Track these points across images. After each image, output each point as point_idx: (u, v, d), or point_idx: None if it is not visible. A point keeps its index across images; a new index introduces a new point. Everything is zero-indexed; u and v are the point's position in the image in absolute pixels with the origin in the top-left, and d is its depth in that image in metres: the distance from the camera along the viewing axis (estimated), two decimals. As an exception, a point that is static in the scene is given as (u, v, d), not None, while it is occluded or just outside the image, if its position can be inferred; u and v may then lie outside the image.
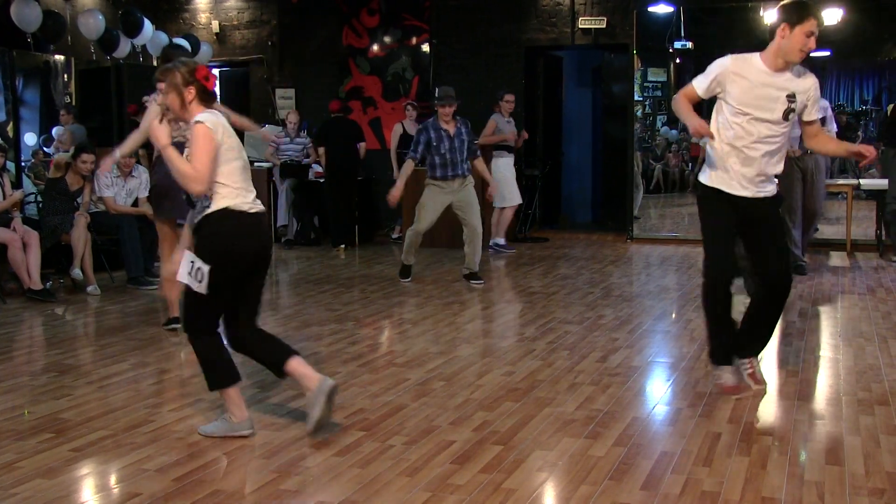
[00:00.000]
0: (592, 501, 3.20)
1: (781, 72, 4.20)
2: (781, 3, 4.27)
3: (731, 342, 4.53)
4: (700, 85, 4.34)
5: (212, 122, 3.72)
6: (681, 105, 4.39)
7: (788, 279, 4.43)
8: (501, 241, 10.07)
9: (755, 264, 4.49)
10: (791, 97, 4.20)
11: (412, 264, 7.99)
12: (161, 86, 4.02)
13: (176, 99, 3.83)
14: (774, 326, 4.62)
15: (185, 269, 3.76)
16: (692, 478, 3.41)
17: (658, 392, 4.69)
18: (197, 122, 3.71)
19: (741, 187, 4.31)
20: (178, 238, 5.73)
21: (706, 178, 4.41)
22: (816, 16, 4.18)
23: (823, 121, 7.67)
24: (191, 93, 3.81)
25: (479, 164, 7.93)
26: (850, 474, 3.45)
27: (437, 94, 7.73)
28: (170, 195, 5.63)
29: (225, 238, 3.77)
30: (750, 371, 4.57)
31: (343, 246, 10.33)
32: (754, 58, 4.25)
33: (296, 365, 3.88)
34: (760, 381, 4.55)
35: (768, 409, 4.34)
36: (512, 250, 9.96)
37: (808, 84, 4.26)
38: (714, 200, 4.39)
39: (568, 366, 5.09)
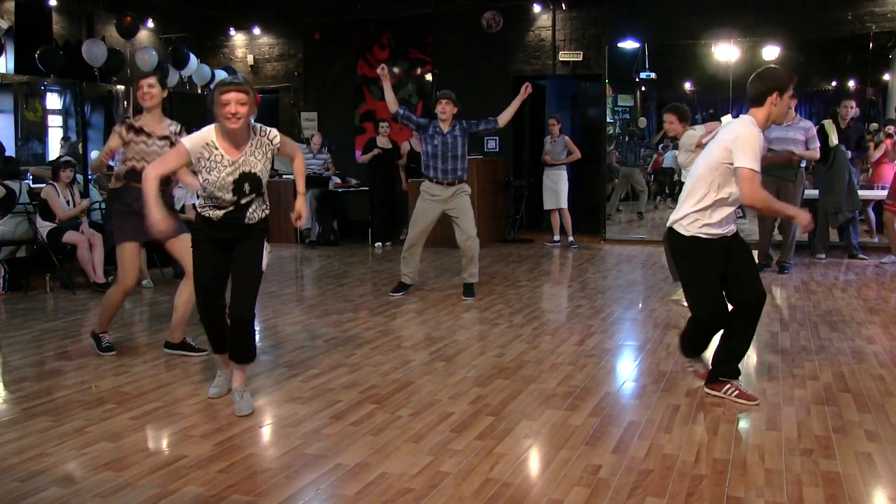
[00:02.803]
0: (570, 464, 3.21)
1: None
2: (762, 70, 3.87)
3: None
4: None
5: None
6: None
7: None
8: (556, 237, 10.50)
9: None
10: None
11: (407, 282, 6.94)
12: (239, 100, 3.58)
13: (250, 111, 3.63)
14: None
15: (266, 259, 3.92)
16: (655, 443, 3.42)
17: (627, 371, 4.69)
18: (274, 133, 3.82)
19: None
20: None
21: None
22: (794, 79, 3.87)
23: (808, 141, 7.73)
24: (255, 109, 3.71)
25: (503, 116, 6.85)
26: (785, 438, 3.45)
27: (437, 95, 6.85)
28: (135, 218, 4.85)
29: None
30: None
31: (380, 243, 10.57)
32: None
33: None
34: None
35: (719, 385, 4.35)
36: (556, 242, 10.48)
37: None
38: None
39: (550, 348, 5.09)
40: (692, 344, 4.24)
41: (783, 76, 3.81)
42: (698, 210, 3.86)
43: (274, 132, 3.83)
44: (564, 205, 10.38)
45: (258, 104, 3.80)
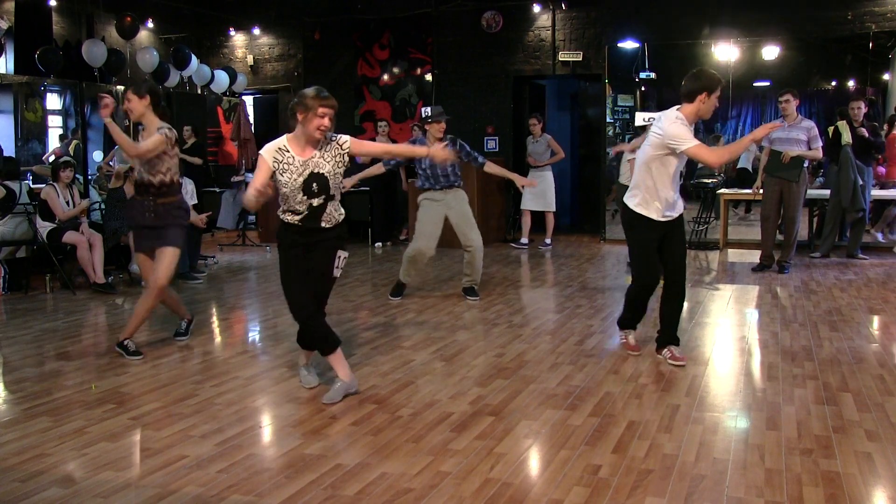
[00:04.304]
0: (570, 464, 3.21)
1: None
2: (696, 71, 4.52)
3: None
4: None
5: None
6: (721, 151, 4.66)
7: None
8: (524, 240, 10.34)
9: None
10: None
11: (406, 283, 6.82)
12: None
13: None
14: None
15: (338, 264, 4.00)
16: (655, 443, 3.42)
17: (626, 370, 4.69)
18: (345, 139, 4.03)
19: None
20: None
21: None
22: (723, 83, 4.50)
23: (810, 141, 7.73)
24: None
25: (490, 167, 6.77)
26: (785, 438, 3.46)
27: (429, 113, 6.51)
28: (143, 232, 5.01)
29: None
30: (670, 355, 4.73)
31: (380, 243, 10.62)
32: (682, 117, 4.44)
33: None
34: (681, 359, 4.71)
35: (718, 384, 4.34)
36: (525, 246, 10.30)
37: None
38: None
39: (550, 348, 5.09)
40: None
41: (713, 79, 4.42)
42: (641, 192, 4.57)
43: (345, 137, 4.00)
44: (552, 207, 10.25)
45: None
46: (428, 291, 7.16)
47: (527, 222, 10.39)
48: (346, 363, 4.13)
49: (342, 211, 4.07)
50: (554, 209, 10.31)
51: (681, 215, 4.69)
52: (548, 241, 10.28)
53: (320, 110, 3.82)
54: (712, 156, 4.45)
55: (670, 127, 4.38)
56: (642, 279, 4.75)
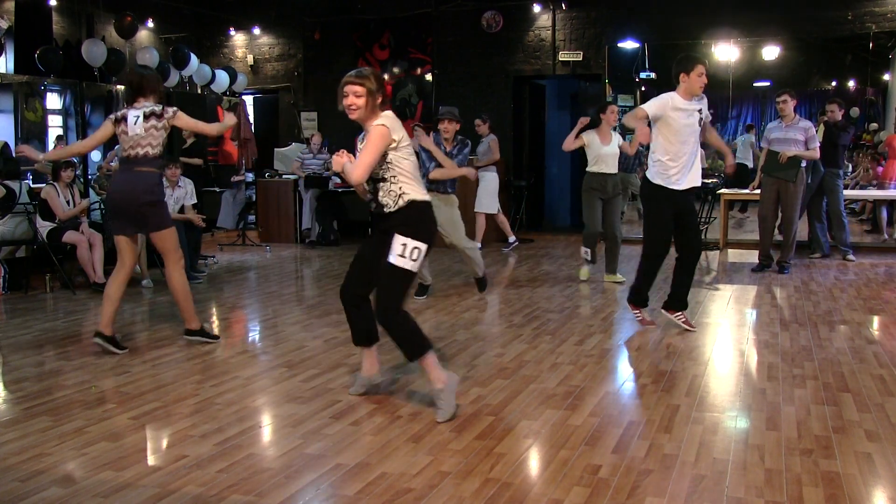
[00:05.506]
0: (570, 464, 3.21)
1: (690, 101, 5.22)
2: (679, 57, 5.23)
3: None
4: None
5: (390, 123, 3.69)
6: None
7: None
8: (478, 244, 9.91)
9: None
10: (700, 111, 5.26)
11: (428, 283, 6.95)
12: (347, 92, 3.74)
13: (369, 101, 3.71)
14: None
15: (396, 251, 3.66)
16: (655, 443, 3.41)
17: (626, 370, 4.69)
18: (379, 124, 3.67)
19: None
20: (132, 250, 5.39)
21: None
22: (702, 61, 5.16)
23: (807, 141, 7.70)
24: (379, 98, 3.75)
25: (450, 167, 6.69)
26: (785, 438, 3.45)
27: (439, 112, 6.66)
28: (123, 213, 5.20)
29: (432, 222, 3.81)
30: (683, 319, 5.53)
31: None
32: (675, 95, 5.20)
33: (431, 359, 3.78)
34: (692, 326, 5.54)
35: (718, 384, 4.34)
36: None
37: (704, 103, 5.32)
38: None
39: (550, 348, 5.09)
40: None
41: (687, 60, 5.15)
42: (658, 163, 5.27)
43: (379, 119, 3.72)
44: (483, 209, 9.78)
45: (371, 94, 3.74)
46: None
47: (502, 220, 10.06)
48: (376, 360, 4.13)
49: (402, 194, 3.73)
50: (485, 211, 9.81)
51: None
52: (479, 243, 9.54)
53: (343, 90, 3.78)
54: (629, 119, 5.25)
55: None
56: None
